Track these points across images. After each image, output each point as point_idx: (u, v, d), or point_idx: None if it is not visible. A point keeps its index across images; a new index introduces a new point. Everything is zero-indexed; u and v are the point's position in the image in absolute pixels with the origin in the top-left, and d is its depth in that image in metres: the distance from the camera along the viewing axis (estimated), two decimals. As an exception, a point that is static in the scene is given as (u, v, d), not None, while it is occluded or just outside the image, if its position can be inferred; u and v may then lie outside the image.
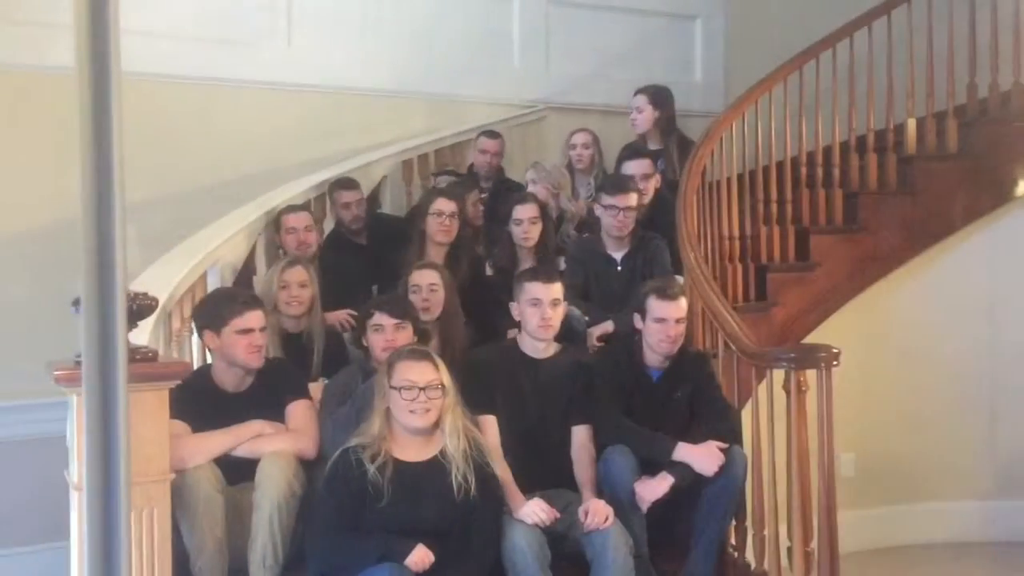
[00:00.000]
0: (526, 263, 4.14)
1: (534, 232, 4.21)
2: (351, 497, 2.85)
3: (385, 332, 3.28)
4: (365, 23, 5.55)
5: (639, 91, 5.01)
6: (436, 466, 2.93)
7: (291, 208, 4.39)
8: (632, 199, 4.07)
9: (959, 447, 5.20)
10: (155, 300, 2.44)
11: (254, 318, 3.08)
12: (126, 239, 0.87)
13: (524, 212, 4.22)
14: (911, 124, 4.96)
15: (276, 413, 3.13)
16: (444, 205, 4.17)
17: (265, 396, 3.14)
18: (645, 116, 4.93)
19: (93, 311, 0.84)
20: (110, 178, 0.85)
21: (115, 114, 0.85)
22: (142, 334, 2.58)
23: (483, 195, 4.96)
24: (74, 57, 0.85)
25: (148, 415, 2.27)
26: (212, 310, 3.17)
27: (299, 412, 3.14)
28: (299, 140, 5.28)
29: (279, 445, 2.99)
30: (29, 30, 4.63)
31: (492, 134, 5.15)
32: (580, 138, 4.99)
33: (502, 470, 3.11)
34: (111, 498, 0.87)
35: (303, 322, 3.71)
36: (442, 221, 4.14)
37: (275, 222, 4.32)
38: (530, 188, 4.52)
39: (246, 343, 3.05)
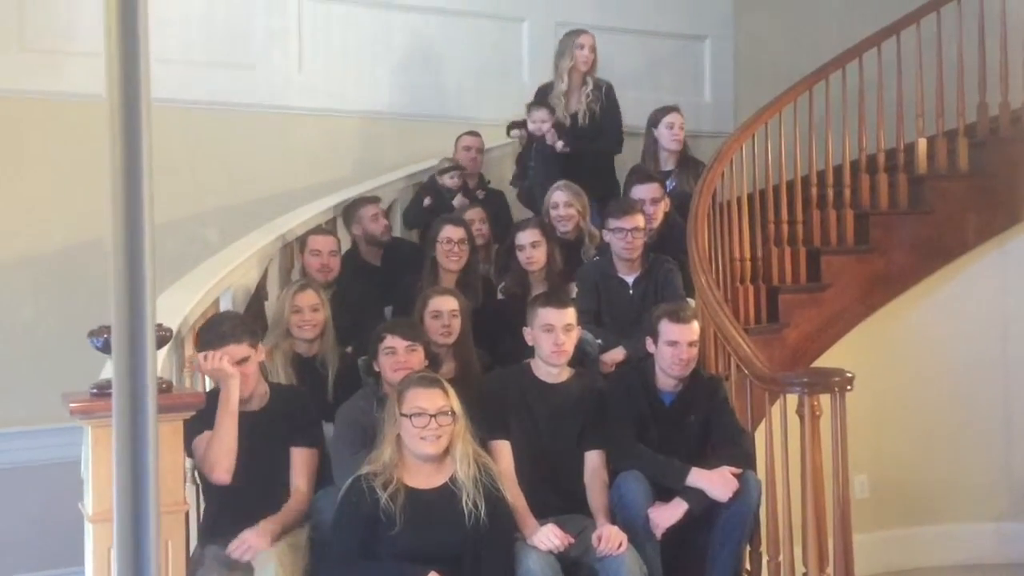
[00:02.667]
0: (537, 288, 4.13)
1: (538, 255, 4.20)
2: (363, 525, 2.85)
3: (397, 354, 3.28)
4: (375, 47, 5.60)
5: (675, 110, 4.97)
6: (447, 493, 2.93)
7: (319, 230, 4.42)
8: (639, 220, 4.07)
9: (974, 468, 5.16)
10: (169, 331, 2.45)
11: (230, 351, 3.04)
12: (155, 275, 0.87)
13: (526, 237, 4.22)
14: (922, 143, 4.95)
15: (281, 442, 3.13)
16: (452, 232, 4.18)
17: (274, 424, 3.14)
18: (682, 134, 4.93)
19: (124, 347, 0.85)
20: (140, 212, 0.86)
21: (145, 147, 0.86)
22: (156, 363, 2.57)
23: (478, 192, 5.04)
24: (102, 86, 0.86)
25: (164, 446, 2.27)
26: (201, 335, 3.21)
27: (299, 464, 3.12)
28: (310, 164, 5.32)
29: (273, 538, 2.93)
30: (42, 57, 4.68)
31: (473, 132, 5.30)
32: (587, 40, 5.11)
33: (515, 496, 3.10)
34: (141, 529, 0.87)
35: (316, 346, 3.71)
36: (451, 248, 4.15)
37: (299, 242, 4.33)
38: (562, 209, 4.51)
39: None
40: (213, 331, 3.15)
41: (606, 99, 5.10)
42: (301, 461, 3.14)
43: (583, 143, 4.99)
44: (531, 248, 4.20)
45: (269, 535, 2.89)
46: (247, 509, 3.00)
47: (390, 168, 5.44)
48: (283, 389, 3.31)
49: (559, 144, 4.90)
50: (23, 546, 4.42)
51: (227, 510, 3.03)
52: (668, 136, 4.90)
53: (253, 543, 2.85)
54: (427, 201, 5.01)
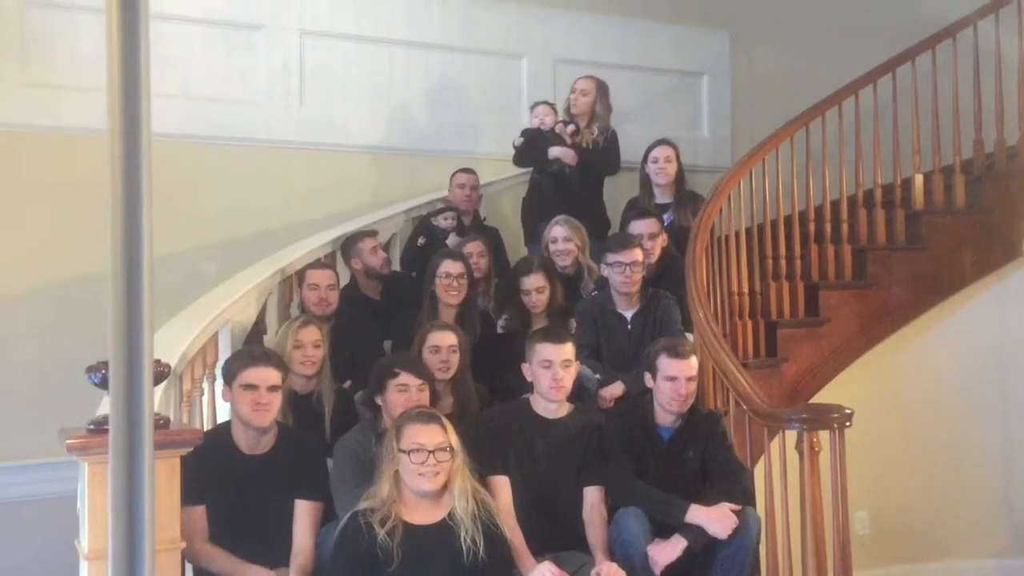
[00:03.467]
0: (538, 323, 4.14)
1: (542, 299, 4.21)
2: (361, 561, 2.83)
3: (410, 392, 3.27)
4: (376, 83, 5.65)
5: (665, 143, 5.00)
6: (445, 529, 2.91)
7: (317, 264, 4.43)
8: (637, 254, 4.08)
9: (974, 503, 5.14)
10: (167, 367, 2.44)
11: (258, 374, 3.05)
12: (153, 312, 0.87)
13: (531, 283, 4.22)
14: (918, 179, 4.98)
15: (286, 487, 3.10)
16: (451, 267, 4.18)
17: (281, 469, 3.11)
18: (672, 167, 4.95)
19: (121, 384, 0.85)
20: (139, 249, 0.86)
21: (145, 182, 0.86)
22: (153, 400, 2.56)
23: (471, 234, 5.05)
24: (103, 120, 0.86)
25: (160, 483, 2.26)
26: (227, 364, 3.21)
27: (305, 519, 3.10)
28: (309, 199, 5.34)
29: None
30: (43, 92, 4.71)
31: (467, 170, 5.30)
32: (580, 84, 5.20)
33: (513, 532, 3.09)
34: (136, 568, 0.87)
35: (312, 383, 3.69)
36: (450, 283, 4.15)
37: (298, 276, 4.34)
38: (561, 244, 4.53)
39: (250, 399, 3.03)
40: (245, 355, 3.17)
41: (610, 137, 5.19)
42: (307, 515, 3.10)
43: (587, 157, 5.09)
44: (536, 293, 4.20)
45: None
46: (243, 555, 2.99)
47: (390, 203, 5.46)
48: (291, 434, 3.27)
49: (570, 154, 5.01)
50: (18, 581, 4.39)
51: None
52: (654, 169, 4.93)
53: None
54: (421, 241, 5.04)
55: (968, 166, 5.04)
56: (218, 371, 3.54)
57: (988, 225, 4.99)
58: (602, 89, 5.23)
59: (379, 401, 3.33)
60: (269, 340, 4.09)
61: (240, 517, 3.02)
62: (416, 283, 4.53)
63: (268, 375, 3.07)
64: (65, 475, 2.91)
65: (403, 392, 3.26)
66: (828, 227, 4.83)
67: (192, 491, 2.70)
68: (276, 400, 3.09)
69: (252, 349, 3.50)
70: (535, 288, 4.20)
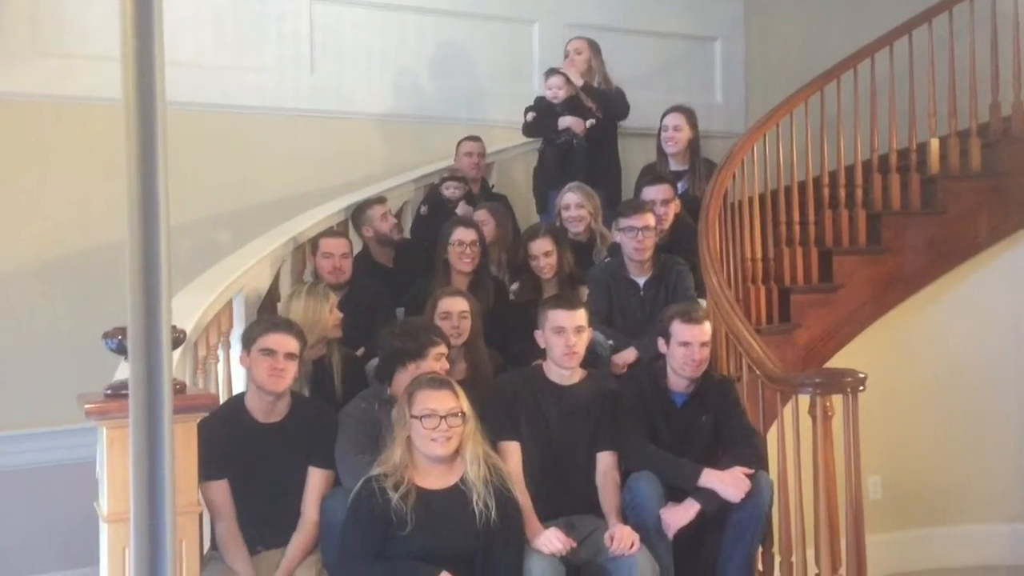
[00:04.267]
0: (549, 291, 4.14)
1: (550, 264, 4.22)
2: (375, 526, 2.86)
3: (442, 361, 3.28)
4: (386, 50, 5.62)
5: (676, 110, 4.99)
6: (457, 493, 2.94)
7: (330, 232, 4.44)
8: (649, 219, 4.07)
9: (987, 468, 5.14)
10: (183, 332, 2.46)
11: (278, 340, 3.09)
12: (171, 276, 0.88)
13: (538, 247, 4.24)
14: (934, 144, 4.93)
15: (299, 455, 3.13)
16: (463, 234, 4.20)
17: (294, 437, 3.14)
18: (683, 135, 4.92)
19: (140, 349, 0.85)
20: (156, 216, 0.86)
21: (161, 149, 0.86)
22: (172, 364, 2.59)
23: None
24: (116, 89, 0.86)
25: (178, 447, 2.28)
26: (249, 329, 3.25)
27: (315, 486, 3.12)
28: (322, 166, 5.33)
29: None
30: (55, 62, 4.71)
31: (473, 137, 5.31)
32: (574, 44, 5.24)
33: (522, 497, 3.10)
34: (158, 529, 0.88)
35: (322, 348, 3.72)
36: (463, 251, 4.17)
37: (311, 244, 4.35)
38: (573, 210, 4.52)
39: (267, 365, 3.06)
40: (267, 322, 3.22)
41: (616, 90, 5.21)
42: (317, 483, 3.12)
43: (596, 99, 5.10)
44: (544, 257, 4.22)
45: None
46: (259, 523, 3.04)
47: (402, 170, 5.46)
48: (306, 402, 3.31)
49: (590, 121, 5.02)
50: (39, 546, 4.45)
51: (240, 523, 3.04)
52: (664, 137, 4.91)
53: None
54: (423, 209, 5.05)
55: (984, 130, 4.99)
56: (233, 339, 3.57)
57: (1004, 189, 4.95)
58: (594, 48, 5.24)
59: (400, 373, 3.29)
60: (283, 307, 4.10)
61: (254, 485, 3.05)
62: (428, 250, 4.54)
63: (287, 342, 3.11)
64: (83, 441, 2.94)
65: (437, 361, 3.27)
66: (843, 192, 4.80)
67: (209, 465, 2.73)
68: (292, 368, 3.12)
69: (274, 317, 3.56)
70: (542, 253, 4.21)
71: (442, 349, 3.29)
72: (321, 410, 3.31)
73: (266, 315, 3.74)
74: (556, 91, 5.11)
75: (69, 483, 4.02)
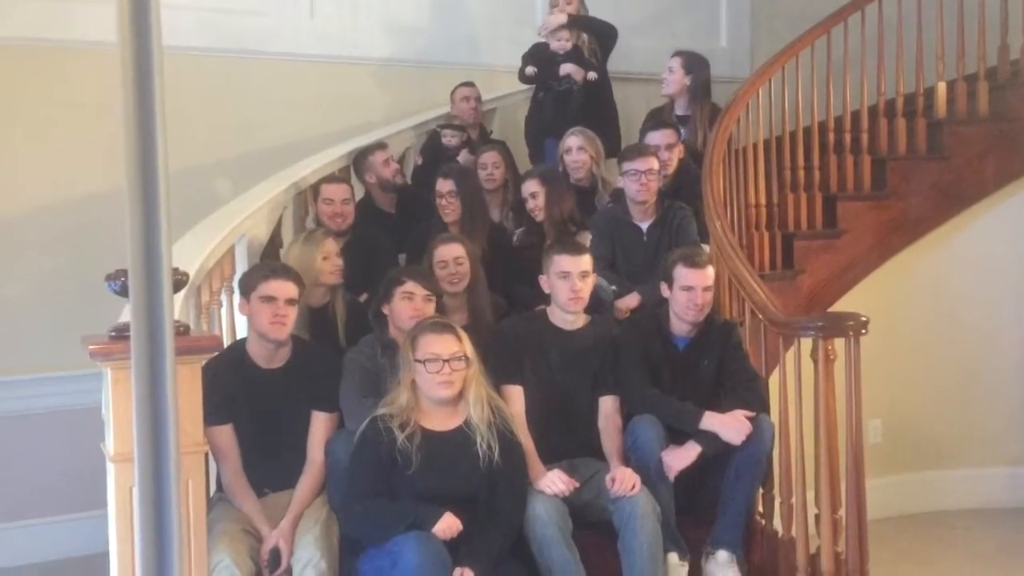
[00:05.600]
0: (550, 236, 4.14)
1: (538, 205, 4.22)
2: (381, 464, 2.90)
3: (415, 301, 3.29)
4: (387, -7, 5.53)
5: (676, 53, 4.98)
6: (461, 435, 2.97)
7: (331, 178, 4.43)
8: (652, 163, 4.05)
9: (987, 413, 5.17)
10: (185, 275, 2.46)
11: (278, 287, 3.09)
12: (170, 214, 0.87)
13: (525, 189, 4.29)
14: (941, 88, 4.88)
15: (302, 399, 3.15)
16: (441, 185, 4.24)
17: (297, 382, 3.15)
18: (675, 78, 4.89)
19: (140, 287, 0.85)
20: (154, 155, 0.86)
21: (158, 91, 0.86)
22: (173, 305, 2.59)
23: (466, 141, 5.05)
24: (113, 33, 0.85)
25: (182, 388, 2.29)
26: (246, 277, 3.24)
27: (320, 430, 3.14)
28: (322, 112, 5.29)
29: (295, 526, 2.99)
30: (50, 5, 4.65)
31: (468, 83, 5.26)
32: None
33: (525, 440, 3.14)
34: (162, 468, 0.89)
35: (326, 295, 3.73)
36: (441, 202, 4.22)
37: (313, 190, 4.34)
38: (575, 154, 4.50)
39: (269, 312, 3.06)
40: (264, 268, 3.21)
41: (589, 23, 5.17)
42: (322, 427, 3.15)
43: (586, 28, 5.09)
44: (531, 199, 4.23)
45: (292, 529, 2.95)
46: (265, 467, 3.08)
47: (403, 116, 5.41)
48: (307, 347, 3.31)
49: (592, 75, 4.97)
50: (46, 491, 4.50)
51: (245, 467, 3.07)
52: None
53: (284, 548, 2.90)
54: (418, 161, 5.04)
55: (992, 73, 4.93)
56: (236, 284, 3.58)
57: (1011, 134, 4.90)
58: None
59: (386, 311, 3.34)
60: (284, 254, 4.10)
61: (258, 431, 3.08)
62: (429, 196, 4.53)
63: (287, 288, 3.10)
64: (88, 387, 2.96)
65: (409, 300, 3.28)
66: (848, 137, 4.76)
67: (213, 410, 2.75)
68: (293, 313, 3.12)
69: (271, 263, 3.54)
70: (529, 194, 4.23)
71: (409, 288, 3.29)
72: (323, 355, 3.33)
73: (263, 261, 3.72)
74: (564, 42, 5.03)
75: (75, 428, 4.06)
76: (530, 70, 5.13)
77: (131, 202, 0.86)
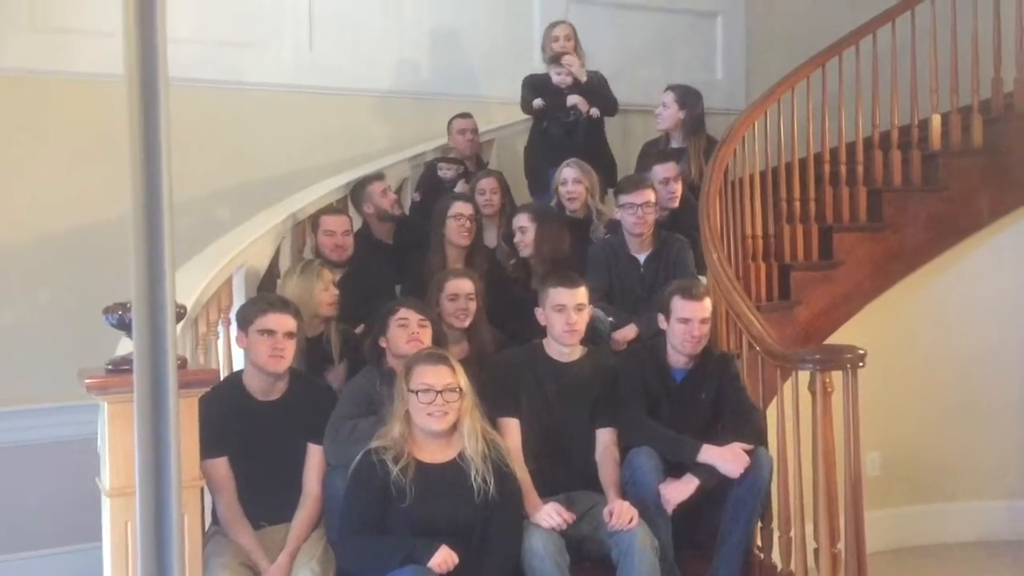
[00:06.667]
0: (537, 271, 4.13)
1: (525, 240, 4.18)
2: (375, 498, 2.88)
3: (409, 327, 3.28)
4: (386, 26, 5.59)
5: (670, 87, 5.02)
6: (456, 468, 2.96)
7: (331, 210, 4.43)
8: (649, 195, 4.07)
9: (985, 446, 5.16)
10: (183, 308, 2.46)
11: (277, 320, 3.08)
12: (174, 250, 0.88)
13: (515, 222, 4.25)
14: (935, 120, 4.91)
15: (299, 432, 3.14)
16: (463, 208, 4.21)
17: (293, 414, 3.14)
18: (670, 113, 4.93)
19: (144, 324, 0.85)
20: (159, 189, 0.86)
21: (164, 125, 0.86)
22: (177, 345, 2.58)
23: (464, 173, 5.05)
24: (114, 65, 0.86)
25: (181, 421, 2.28)
26: (244, 309, 3.24)
27: (316, 463, 3.14)
28: (321, 143, 5.32)
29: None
30: (51, 37, 4.68)
31: (465, 115, 5.27)
32: (564, 31, 5.21)
33: (521, 473, 3.12)
34: (163, 503, 0.88)
35: (320, 325, 3.72)
36: (462, 224, 4.17)
37: (311, 221, 4.34)
38: (571, 186, 4.51)
39: (268, 345, 3.06)
40: (262, 301, 3.21)
41: (598, 81, 5.18)
42: (317, 460, 3.14)
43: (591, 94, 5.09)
44: (519, 233, 4.21)
45: (290, 563, 2.93)
46: (261, 499, 3.06)
47: (402, 147, 5.43)
48: (304, 380, 3.30)
49: (595, 111, 5.01)
50: (40, 522, 4.47)
51: (241, 500, 3.06)
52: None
53: None
54: (416, 197, 5.05)
55: (987, 106, 4.97)
56: (233, 316, 3.57)
57: (1005, 166, 4.93)
58: (575, 32, 5.25)
59: (383, 343, 3.34)
60: (282, 285, 4.10)
61: (255, 463, 3.06)
62: (425, 226, 4.54)
63: (286, 321, 3.10)
64: (84, 419, 2.94)
65: (403, 327, 3.28)
66: (843, 169, 4.79)
67: (209, 443, 2.73)
68: (292, 347, 3.12)
69: (268, 295, 3.55)
70: (518, 227, 4.21)
71: (403, 315, 3.29)
72: (320, 387, 3.33)
73: (261, 294, 3.72)
74: (565, 77, 5.06)
75: (71, 460, 4.03)
76: (538, 102, 5.14)
77: (136, 237, 0.86)
